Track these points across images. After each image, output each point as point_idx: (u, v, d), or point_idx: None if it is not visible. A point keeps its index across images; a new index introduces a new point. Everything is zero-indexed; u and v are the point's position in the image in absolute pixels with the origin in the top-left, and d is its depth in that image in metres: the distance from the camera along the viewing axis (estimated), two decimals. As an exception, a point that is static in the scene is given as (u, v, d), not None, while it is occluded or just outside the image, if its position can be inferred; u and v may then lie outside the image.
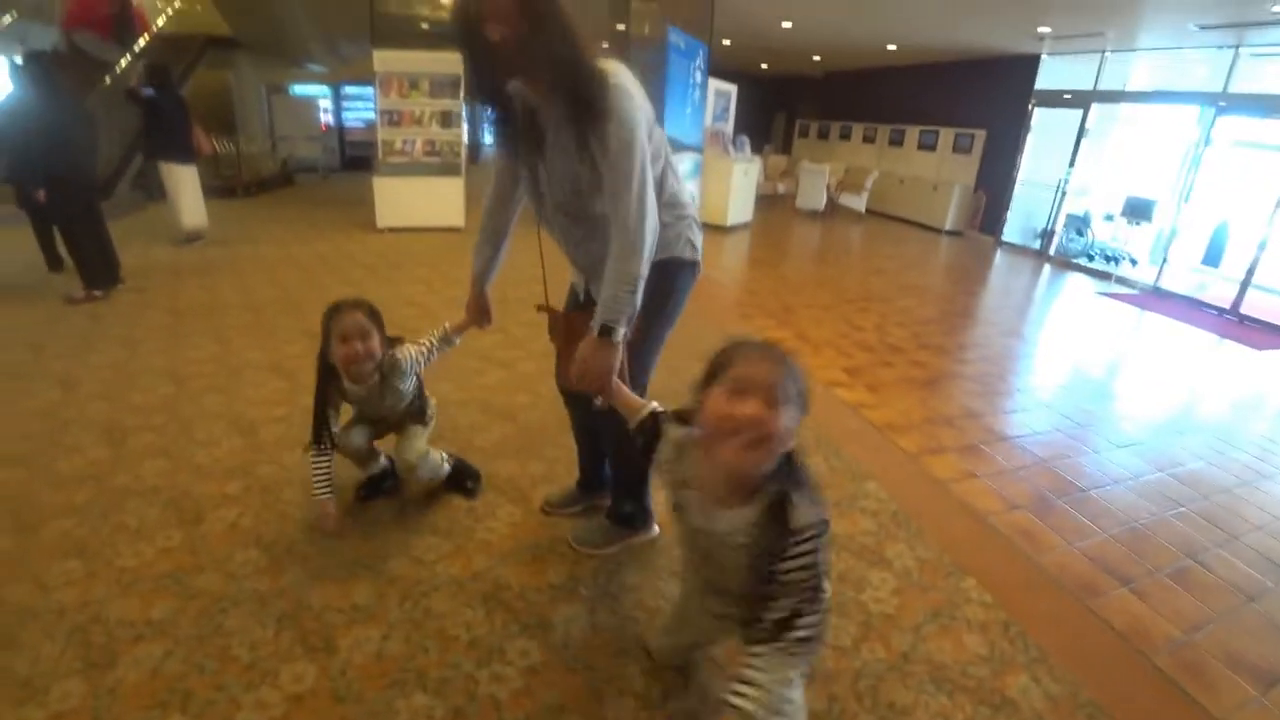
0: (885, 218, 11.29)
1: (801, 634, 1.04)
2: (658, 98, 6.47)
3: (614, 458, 1.93)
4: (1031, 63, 9.12)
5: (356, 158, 12.42)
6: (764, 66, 14.31)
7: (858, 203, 11.02)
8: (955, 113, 10.57)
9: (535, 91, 1.40)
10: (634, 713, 1.45)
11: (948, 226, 10.24)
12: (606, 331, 1.39)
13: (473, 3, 1.24)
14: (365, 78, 9.24)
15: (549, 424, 2.69)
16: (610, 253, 1.40)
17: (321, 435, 1.89)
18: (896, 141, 11.82)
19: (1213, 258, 8.71)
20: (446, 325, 2.02)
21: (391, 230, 6.57)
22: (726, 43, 10.71)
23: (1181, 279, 7.61)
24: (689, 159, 7.46)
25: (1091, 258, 8.48)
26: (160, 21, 9.68)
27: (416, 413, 2.08)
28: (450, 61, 6.59)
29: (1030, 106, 9.22)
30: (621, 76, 1.35)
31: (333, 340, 1.82)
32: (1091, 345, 4.95)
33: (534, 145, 1.47)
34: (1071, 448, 3.01)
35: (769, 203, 11.42)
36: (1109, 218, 8.84)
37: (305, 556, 1.86)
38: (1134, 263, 8.37)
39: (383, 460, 2.15)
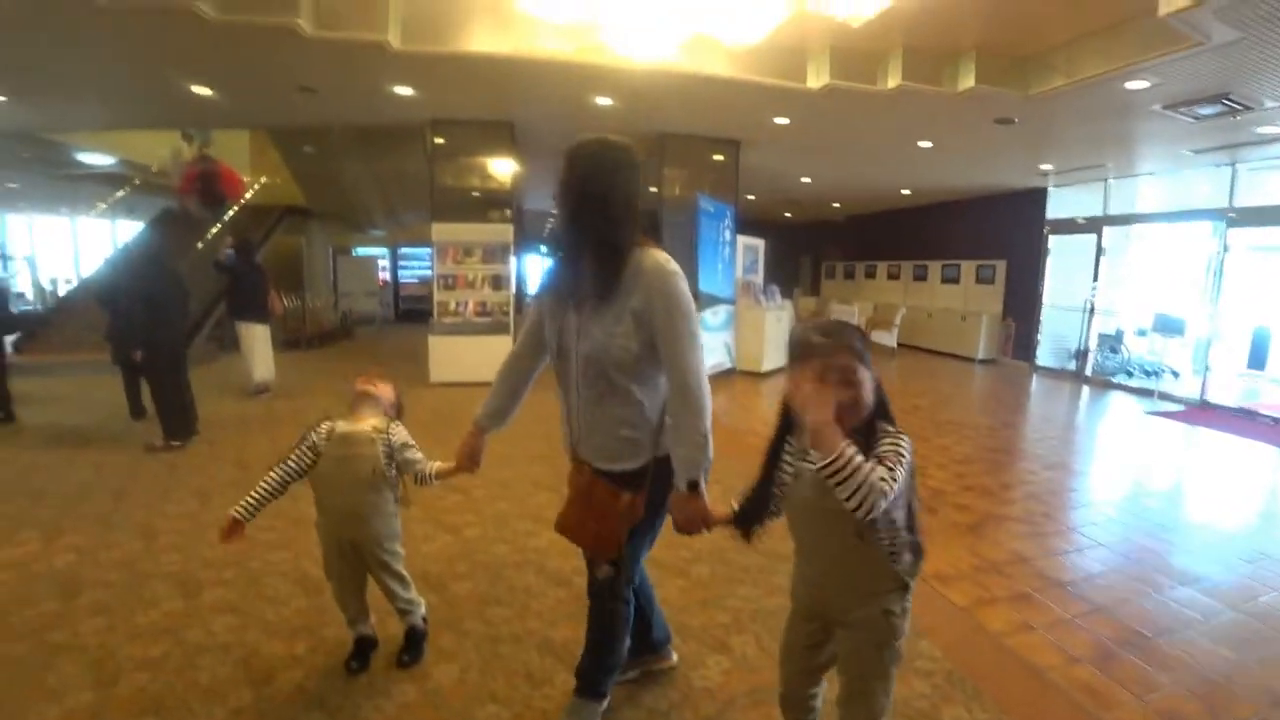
0: (918, 350, 11.49)
1: (882, 472, 1.21)
2: (689, 257, 6.99)
3: (598, 636, 1.83)
4: (1040, 194, 9.57)
5: (410, 311, 13.37)
6: (788, 215, 15.34)
7: (889, 339, 11.26)
8: (974, 246, 11.03)
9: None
10: None
11: (980, 355, 10.37)
12: (693, 486, 1.56)
13: (560, 180, 1.59)
14: (420, 239, 10.26)
15: (605, 589, 2.72)
16: (675, 415, 1.57)
17: (301, 453, 2.06)
18: (920, 277, 12.27)
19: (1257, 361, 8.48)
20: (434, 467, 2.02)
21: (443, 385, 6.95)
22: (751, 197, 11.61)
23: (1228, 387, 7.37)
24: (723, 311, 7.86)
25: (1130, 374, 8.37)
26: (248, 195, 11.11)
27: (384, 538, 2.06)
28: (501, 231, 7.34)
29: (1045, 233, 9.56)
30: (673, 264, 1.60)
31: (356, 381, 2.14)
32: (1142, 471, 4.81)
33: (581, 297, 1.61)
34: (1132, 589, 2.90)
35: (803, 345, 11.68)
36: (1142, 332, 8.77)
37: (368, 722, 1.90)
38: (1175, 375, 8.18)
39: (369, 626, 2.17)
